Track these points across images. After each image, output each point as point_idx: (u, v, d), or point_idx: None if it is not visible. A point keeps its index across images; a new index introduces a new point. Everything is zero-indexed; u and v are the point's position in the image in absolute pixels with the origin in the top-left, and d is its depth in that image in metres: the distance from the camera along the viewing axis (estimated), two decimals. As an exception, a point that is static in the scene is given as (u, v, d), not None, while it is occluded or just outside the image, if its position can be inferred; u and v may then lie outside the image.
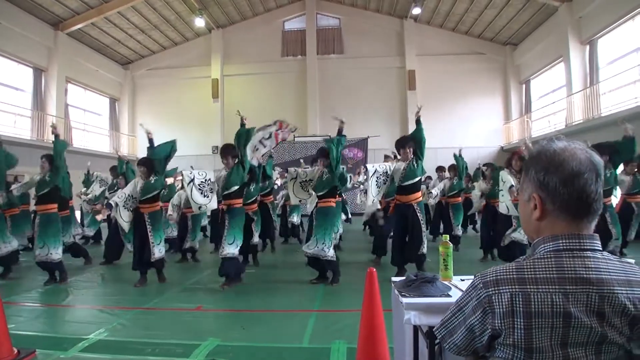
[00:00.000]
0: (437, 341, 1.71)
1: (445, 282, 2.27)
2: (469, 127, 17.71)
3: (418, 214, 5.69)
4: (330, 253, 5.40)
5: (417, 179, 5.78)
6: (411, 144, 5.78)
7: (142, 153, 18.52)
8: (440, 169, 9.44)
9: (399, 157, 6.00)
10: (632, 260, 1.25)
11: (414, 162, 5.76)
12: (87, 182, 9.67)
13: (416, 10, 16.34)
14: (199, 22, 16.42)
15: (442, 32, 18.13)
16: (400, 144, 5.89)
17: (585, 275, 1.02)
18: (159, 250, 5.78)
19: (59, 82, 14.92)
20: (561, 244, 1.06)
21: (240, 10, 18.17)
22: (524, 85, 17.59)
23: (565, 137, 1.12)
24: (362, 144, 16.55)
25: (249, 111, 19.01)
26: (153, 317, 4.37)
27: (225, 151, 5.82)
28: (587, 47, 13.22)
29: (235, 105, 18.11)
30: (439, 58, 18.03)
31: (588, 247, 1.05)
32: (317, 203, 5.90)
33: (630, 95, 11.24)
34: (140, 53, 18.67)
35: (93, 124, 17.39)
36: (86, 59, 16.52)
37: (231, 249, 5.42)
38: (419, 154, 5.77)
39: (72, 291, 5.50)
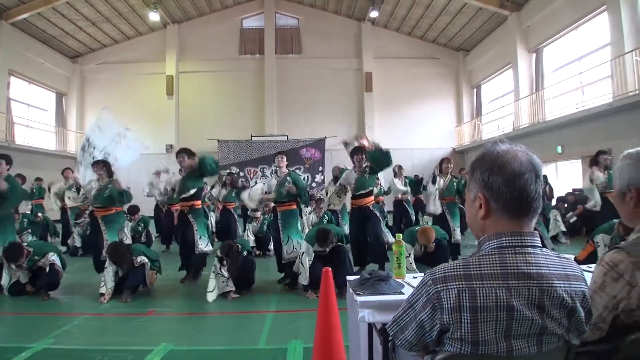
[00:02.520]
0: (390, 338, 1.74)
1: (399, 280, 2.33)
2: (423, 128, 18.19)
3: (374, 211, 6.00)
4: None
5: (368, 189, 6.02)
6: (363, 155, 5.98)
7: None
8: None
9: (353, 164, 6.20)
10: (571, 256, 1.33)
11: (366, 175, 5.96)
12: (39, 192, 9.21)
13: (374, 14, 16.60)
14: (154, 17, 15.92)
15: (398, 36, 18.51)
16: (355, 152, 6.08)
17: (526, 271, 1.08)
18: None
19: (1, 74, 14.04)
20: (504, 241, 1.12)
21: (197, 6, 17.78)
22: (475, 90, 18.26)
23: (508, 140, 1.18)
24: (319, 144, 16.64)
25: (205, 109, 18.76)
26: (102, 323, 4.19)
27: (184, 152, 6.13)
28: (534, 55, 13.90)
29: (191, 102, 17.96)
30: (395, 61, 18.40)
31: (529, 244, 1.12)
32: (275, 207, 5.95)
33: (572, 102, 11.93)
34: (90, 46, 17.84)
35: (38, 120, 16.45)
36: (31, 51, 15.59)
37: (205, 246, 5.78)
38: (375, 169, 5.97)
39: (12, 297, 5.19)
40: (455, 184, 6.92)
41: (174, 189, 6.13)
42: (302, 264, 4.93)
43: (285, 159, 5.98)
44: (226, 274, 4.86)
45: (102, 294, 4.86)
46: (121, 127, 7.71)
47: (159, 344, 3.45)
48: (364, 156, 5.94)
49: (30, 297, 5.07)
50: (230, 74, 18.11)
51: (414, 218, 9.31)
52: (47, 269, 5.11)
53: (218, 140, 16.71)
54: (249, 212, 8.48)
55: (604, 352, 1.33)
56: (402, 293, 2.09)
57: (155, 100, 17.93)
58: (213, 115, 17.61)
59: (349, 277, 2.45)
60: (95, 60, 18.25)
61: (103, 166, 6.03)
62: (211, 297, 4.77)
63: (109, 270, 5.00)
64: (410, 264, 5.24)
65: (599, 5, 10.66)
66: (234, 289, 4.89)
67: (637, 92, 9.12)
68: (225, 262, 4.89)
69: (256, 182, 11.68)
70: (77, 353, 3.35)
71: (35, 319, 4.38)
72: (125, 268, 5.03)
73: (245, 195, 6.38)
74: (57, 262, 5.21)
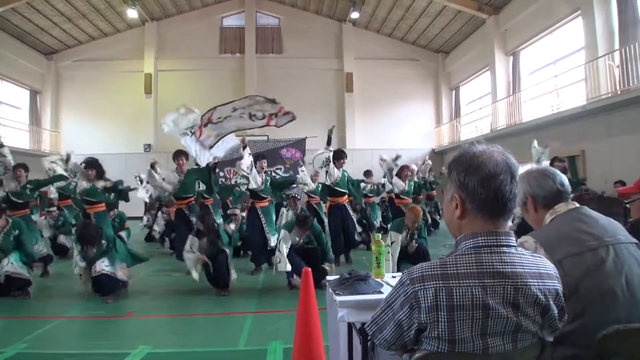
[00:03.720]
0: (369, 337, 1.75)
1: (378, 280, 2.34)
2: (402, 129, 18.32)
3: (349, 211, 7.23)
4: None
5: (343, 189, 7.06)
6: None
7: (65, 149, 17.29)
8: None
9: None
10: (543, 255, 1.36)
11: (346, 175, 7.17)
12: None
13: (354, 14, 16.66)
14: (132, 13, 15.64)
15: (379, 37, 18.62)
16: (336, 156, 7.11)
17: (501, 269, 1.10)
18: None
19: (-29, 70, 13.62)
20: (480, 241, 1.14)
21: (176, 3, 17.54)
22: (454, 92, 18.51)
23: (485, 141, 1.20)
24: (300, 144, 16.58)
25: (184, 108, 18.22)
26: (78, 326, 4.10)
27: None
28: (511, 57, 14.16)
29: (170, 101, 17.63)
30: (376, 62, 18.50)
31: (504, 243, 1.14)
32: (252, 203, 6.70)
33: (547, 104, 12.20)
34: (66, 43, 17.42)
35: (10, 118, 15.96)
36: (4, 47, 15.09)
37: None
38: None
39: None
40: (413, 184, 7.95)
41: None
42: (279, 250, 5.02)
43: (266, 162, 7.06)
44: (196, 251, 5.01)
45: (80, 275, 4.89)
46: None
47: (136, 347, 3.39)
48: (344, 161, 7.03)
49: (2, 300, 4.92)
50: (210, 73, 17.92)
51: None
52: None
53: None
54: (228, 211, 8.43)
55: (578, 346, 1.38)
56: (381, 292, 2.11)
57: (133, 98, 17.62)
58: (192, 115, 17.42)
59: (328, 277, 2.45)
60: (71, 57, 17.82)
61: (93, 168, 6.00)
62: (195, 275, 4.97)
63: (76, 253, 4.95)
64: (391, 255, 5.30)
65: (573, 10, 10.93)
66: (204, 257, 4.98)
67: (609, 95, 9.38)
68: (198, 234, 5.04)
69: (236, 182, 11.56)
70: (51, 357, 3.27)
71: (7, 323, 4.25)
72: (91, 252, 4.84)
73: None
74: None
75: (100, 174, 6.00)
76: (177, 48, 18.00)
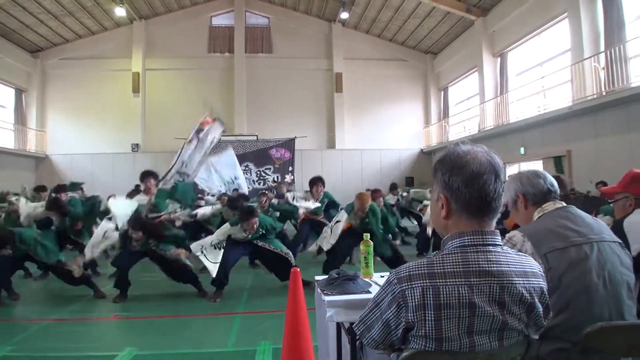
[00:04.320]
0: (358, 337, 1.76)
1: (366, 279, 2.35)
2: (391, 129, 18.40)
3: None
4: None
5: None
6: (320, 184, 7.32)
7: (51, 149, 17.13)
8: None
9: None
10: (528, 250, 1.38)
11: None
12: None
13: (344, 15, 16.68)
14: (120, 12, 15.44)
15: (368, 38, 18.66)
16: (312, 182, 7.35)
17: (487, 268, 1.11)
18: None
19: (-46, 68, 13.36)
20: (467, 240, 1.15)
21: (164, 2, 17.38)
22: (442, 92, 18.62)
23: (469, 142, 1.21)
24: (289, 144, 16.57)
25: (172, 108, 18.38)
26: (64, 329, 4.04)
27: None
28: (499, 59, 14.29)
29: (158, 101, 17.58)
30: (365, 62, 18.55)
31: (490, 242, 1.15)
32: None
33: (534, 105, 12.34)
34: (52, 41, 17.16)
35: (-6, 117, 15.72)
36: (-12, 45, 14.91)
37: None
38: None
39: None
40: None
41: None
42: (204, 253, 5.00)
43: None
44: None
45: None
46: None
47: (123, 349, 3.36)
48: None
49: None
50: (199, 72, 17.81)
51: None
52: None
53: (185, 139, 16.38)
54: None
55: (563, 340, 1.40)
56: (369, 292, 2.11)
57: (120, 98, 17.43)
58: (181, 114, 17.23)
59: (316, 277, 2.45)
60: (57, 55, 17.57)
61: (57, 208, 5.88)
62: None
63: None
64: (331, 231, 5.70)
65: (560, 12, 11.06)
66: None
67: (595, 96, 9.51)
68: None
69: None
70: (37, 360, 3.23)
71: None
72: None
73: None
74: None
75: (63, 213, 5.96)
76: (165, 47, 17.85)
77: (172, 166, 7.75)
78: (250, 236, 5.12)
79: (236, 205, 5.86)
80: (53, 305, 4.80)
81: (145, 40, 17.74)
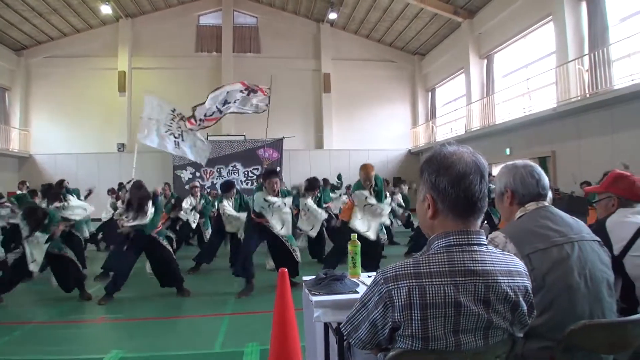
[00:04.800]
0: (345, 337, 1.76)
1: (354, 279, 2.36)
2: (379, 130, 18.49)
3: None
4: None
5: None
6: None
7: (35, 149, 16.84)
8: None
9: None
10: (511, 251, 1.40)
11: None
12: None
13: (332, 15, 16.71)
14: (105, 9, 15.28)
15: (356, 39, 18.72)
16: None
17: (472, 268, 1.12)
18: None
19: None
20: (452, 240, 1.16)
21: (151, 0, 17.25)
22: (429, 93, 18.77)
23: (455, 142, 1.23)
24: (277, 144, 16.54)
25: (159, 107, 17.82)
26: (49, 332, 3.97)
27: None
28: (485, 61, 14.45)
29: (144, 100, 17.31)
30: (353, 63, 18.60)
31: (475, 242, 1.16)
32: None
33: (519, 106, 12.50)
34: (36, 39, 16.89)
35: (-24, 116, 15.41)
36: (-30, 42, 14.61)
37: None
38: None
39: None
40: None
41: None
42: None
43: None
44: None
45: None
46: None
47: (109, 352, 3.32)
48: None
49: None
50: (186, 71, 17.68)
51: None
52: None
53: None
54: None
55: (546, 338, 1.43)
56: (357, 292, 2.11)
57: (106, 97, 17.22)
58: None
59: (304, 277, 2.45)
60: (42, 53, 17.30)
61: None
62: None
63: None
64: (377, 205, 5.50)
65: (545, 15, 11.23)
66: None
67: (579, 98, 9.67)
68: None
69: (212, 183, 11.47)
70: (20, 363, 3.17)
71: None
72: None
73: None
74: None
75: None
76: (152, 45, 17.69)
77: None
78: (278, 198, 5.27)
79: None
80: (37, 307, 4.73)
81: (131, 39, 17.55)
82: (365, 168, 5.43)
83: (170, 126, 7.41)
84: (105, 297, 4.85)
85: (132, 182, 5.81)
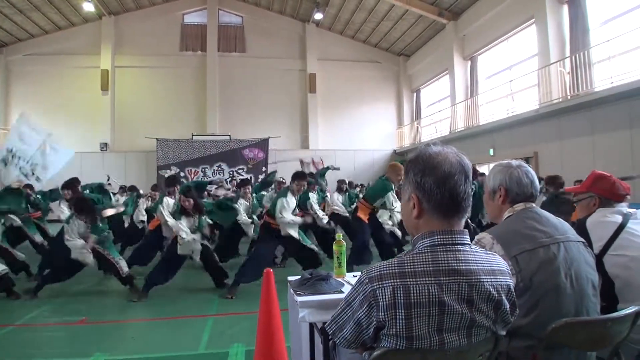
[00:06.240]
0: (330, 337, 1.76)
1: (339, 279, 2.36)
2: (365, 130, 18.56)
3: None
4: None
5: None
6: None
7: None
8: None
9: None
10: (498, 252, 1.41)
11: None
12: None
13: (318, 15, 16.71)
14: (88, 7, 15.04)
15: (342, 39, 18.76)
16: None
17: (456, 267, 1.13)
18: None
19: None
20: (437, 240, 1.17)
21: (135, -2, 17.05)
22: (415, 94, 18.89)
23: (440, 143, 1.24)
24: (263, 144, 16.51)
25: (143, 106, 17.96)
26: (29, 334, 3.89)
27: None
28: (469, 62, 14.60)
29: (128, 99, 17.19)
30: (339, 63, 18.63)
31: (459, 242, 1.17)
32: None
33: (503, 107, 12.66)
34: (17, 36, 16.52)
35: (-47, 114, 15.02)
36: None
37: None
38: None
39: None
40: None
41: None
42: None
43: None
44: None
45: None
46: (43, 133, 7.65)
47: (92, 355, 3.28)
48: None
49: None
50: (171, 70, 17.50)
51: None
52: None
53: (157, 139, 16.07)
54: None
55: (532, 337, 1.45)
56: (342, 292, 2.12)
57: (89, 95, 16.93)
58: (151, 113, 16.93)
59: (289, 278, 2.44)
60: (22, 51, 16.92)
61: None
62: None
63: None
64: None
65: (528, 18, 11.39)
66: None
67: (560, 100, 9.83)
68: None
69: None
70: (-1, 368, 3.10)
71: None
72: None
73: None
74: None
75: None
76: (135, 44, 17.45)
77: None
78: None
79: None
80: (17, 309, 4.62)
81: (114, 37, 17.30)
82: (395, 167, 5.54)
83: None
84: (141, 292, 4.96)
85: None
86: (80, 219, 5.01)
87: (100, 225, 5.07)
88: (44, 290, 5.07)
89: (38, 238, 6.70)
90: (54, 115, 16.64)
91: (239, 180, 9.11)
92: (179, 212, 5.19)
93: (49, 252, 6.16)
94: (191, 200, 5.15)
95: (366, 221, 5.94)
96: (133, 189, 8.72)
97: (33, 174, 7.93)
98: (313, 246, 5.43)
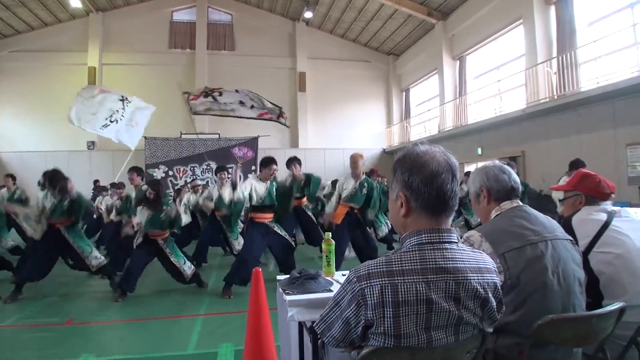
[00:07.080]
0: (319, 336, 1.76)
1: (328, 278, 2.36)
2: (354, 129, 18.58)
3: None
4: None
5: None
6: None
7: (1, 147, 16.20)
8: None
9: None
10: (486, 250, 1.42)
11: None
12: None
13: (308, 14, 16.69)
14: (75, 3, 14.82)
15: (332, 38, 18.75)
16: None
17: (443, 265, 1.14)
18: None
19: None
20: (424, 238, 1.17)
21: (123, -5, 16.86)
22: (404, 93, 18.96)
23: (427, 142, 1.24)
24: (252, 143, 16.41)
25: (131, 104, 17.41)
26: (14, 335, 3.83)
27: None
28: (458, 62, 14.70)
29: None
30: (329, 62, 18.63)
31: (446, 240, 1.18)
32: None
33: (491, 107, 12.77)
34: (2, 32, 16.21)
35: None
36: None
37: None
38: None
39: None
40: None
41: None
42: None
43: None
44: None
45: None
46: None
47: (79, 356, 3.24)
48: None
49: None
50: (159, 68, 17.33)
51: None
52: None
53: (145, 137, 15.88)
54: None
55: (519, 335, 1.46)
56: (331, 291, 2.12)
57: (76, 93, 16.66)
58: (141, 111, 16.75)
59: (278, 277, 2.44)
60: (7, 47, 16.63)
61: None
62: None
63: None
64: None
65: (515, 19, 11.49)
66: None
67: (547, 99, 9.94)
68: None
69: (185, 182, 11.24)
70: (-18, 369, 3.05)
71: None
72: None
73: None
74: None
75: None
76: (124, 41, 17.25)
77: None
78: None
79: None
80: (4, 310, 4.55)
81: (102, 34, 17.09)
82: (353, 157, 5.50)
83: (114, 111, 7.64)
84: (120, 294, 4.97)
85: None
86: None
87: None
88: (28, 291, 5.00)
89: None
90: (40, 113, 16.43)
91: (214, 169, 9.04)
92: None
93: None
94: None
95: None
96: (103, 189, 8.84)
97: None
98: (286, 235, 5.30)
